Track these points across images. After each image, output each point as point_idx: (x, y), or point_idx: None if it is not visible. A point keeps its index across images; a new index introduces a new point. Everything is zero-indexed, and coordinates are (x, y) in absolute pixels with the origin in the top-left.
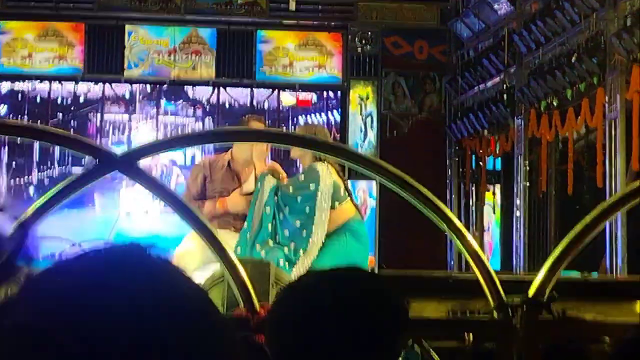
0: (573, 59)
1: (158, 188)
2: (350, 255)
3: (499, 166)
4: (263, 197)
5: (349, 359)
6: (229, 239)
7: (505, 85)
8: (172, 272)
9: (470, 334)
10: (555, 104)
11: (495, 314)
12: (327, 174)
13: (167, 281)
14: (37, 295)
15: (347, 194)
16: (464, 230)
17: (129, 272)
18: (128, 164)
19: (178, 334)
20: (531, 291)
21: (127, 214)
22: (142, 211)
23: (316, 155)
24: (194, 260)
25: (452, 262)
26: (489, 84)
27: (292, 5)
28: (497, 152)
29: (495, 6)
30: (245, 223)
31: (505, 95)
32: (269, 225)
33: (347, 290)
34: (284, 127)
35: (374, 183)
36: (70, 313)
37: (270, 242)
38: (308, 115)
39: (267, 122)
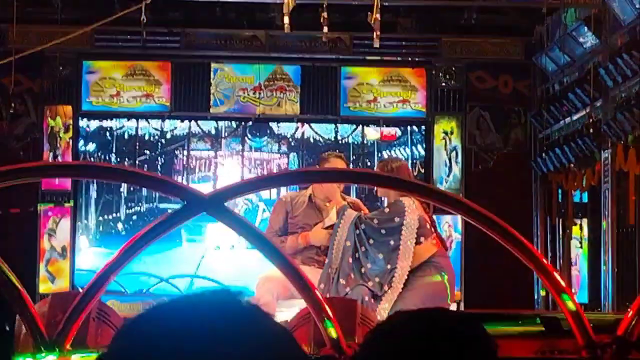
0: None
1: (245, 229)
2: (436, 291)
3: (585, 199)
4: (344, 231)
5: None
6: (312, 276)
7: (591, 119)
8: (261, 317)
9: None
10: None
11: (584, 353)
12: (413, 208)
13: (258, 325)
14: (133, 344)
15: (432, 229)
16: (551, 269)
17: (221, 318)
18: (215, 205)
19: None
20: (620, 330)
21: (214, 248)
22: (228, 246)
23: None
24: (277, 286)
25: (538, 300)
26: (575, 117)
27: (377, 43)
28: (584, 185)
29: (581, 39)
30: (327, 257)
31: (591, 129)
32: (349, 259)
33: (437, 332)
34: (368, 163)
35: (459, 217)
36: (167, 357)
37: (353, 276)
38: (392, 150)
39: (351, 157)
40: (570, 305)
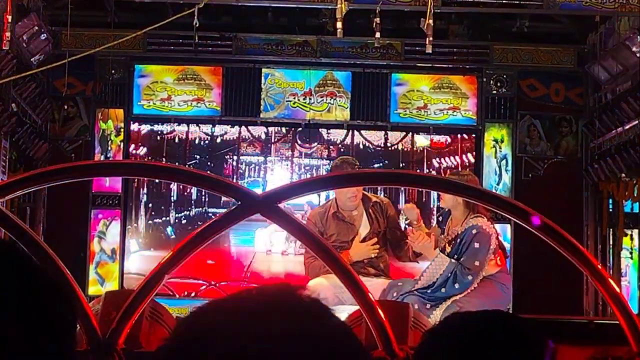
0: None
1: (299, 230)
2: (491, 294)
3: (636, 210)
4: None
5: None
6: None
7: None
8: (323, 311)
9: None
10: None
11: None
12: (493, 230)
13: (319, 320)
14: (195, 336)
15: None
16: (605, 274)
17: (282, 312)
18: (269, 206)
19: None
20: None
21: (265, 253)
22: (277, 251)
23: (469, 206)
24: (326, 292)
25: (588, 308)
26: (627, 127)
27: (429, 48)
28: (635, 195)
29: (634, 49)
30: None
31: None
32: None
33: (494, 334)
34: (418, 170)
35: (508, 227)
36: (226, 353)
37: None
38: (442, 158)
39: (400, 164)
40: (625, 311)
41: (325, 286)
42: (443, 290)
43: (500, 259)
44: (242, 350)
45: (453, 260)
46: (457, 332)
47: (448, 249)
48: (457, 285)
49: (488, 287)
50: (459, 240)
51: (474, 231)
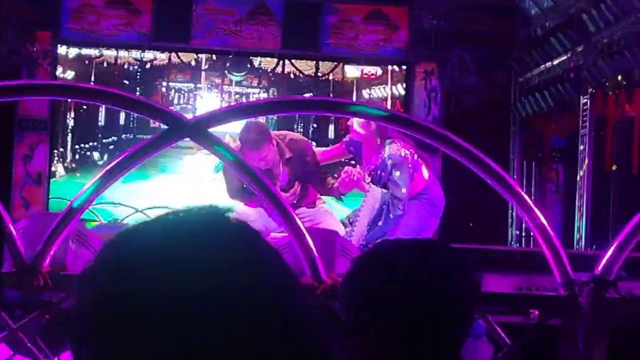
0: None
1: (228, 155)
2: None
3: (563, 145)
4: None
5: (425, 331)
6: None
7: (572, 64)
8: (252, 234)
9: (536, 311)
10: (622, 84)
11: (562, 291)
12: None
13: (248, 242)
14: (120, 257)
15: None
16: (531, 204)
17: (211, 233)
18: (199, 130)
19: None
20: (599, 269)
21: (193, 181)
22: (205, 179)
23: (381, 134)
24: (254, 220)
25: (512, 240)
26: (556, 62)
27: None
28: (562, 131)
29: None
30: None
31: (571, 74)
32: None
33: (422, 261)
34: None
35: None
36: (155, 274)
37: None
38: (372, 89)
39: (331, 94)
40: (550, 243)
41: (251, 213)
42: (380, 223)
43: (424, 172)
44: (169, 271)
45: (384, 191)
46: (384, 259)
47: (368, 180)
48: (391, 216)
49: (416, 207)
50: (378, 171)
51: (390, 162)
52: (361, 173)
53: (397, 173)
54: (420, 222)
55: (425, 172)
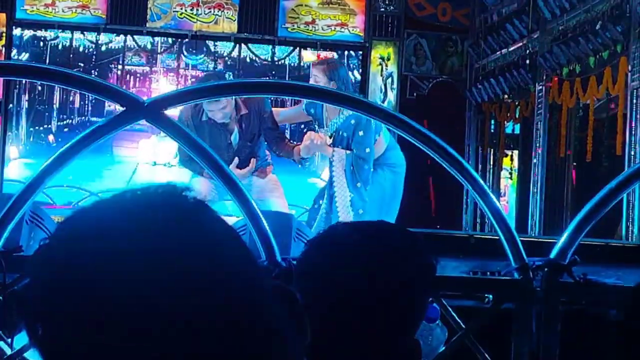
0: (597, 27)
1: (184, 137)
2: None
3: (517, 131)
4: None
5: (378, 314)
6: None
7: (527, 51)
8: (210, 212)
9: (490, 295)
10: (577, 71)
11: (516, 275)
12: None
13: (206, 220)
14: (75, 235)
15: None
16: (487, 189)
17: (168, 211)
18: (155, 112)
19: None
20: (553, 254)
21: (150, 164)
22: (161, 162)
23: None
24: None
25: (466, 226)
26: (512, 48)
27: None
28: (517, 117)
29: None
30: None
31: (527, 61)
32: None
33: (376, 244)
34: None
35: None
36: (111, 251)
37: None
38: None
39: (287, 78)
40: (505, 227)
41: (205, 184)
42: (358, 185)
43: (384, 136)
44: (125, 248)
45: (348, 152)
46: (337, 241)
47: (329, 142)
48: (358, 176)
49: (378, 179)
50: (340, 132)
51: (353, 121)
52: (323, 137)
53: (361, 132)
54: (384, 194)
55: (385, 136)
